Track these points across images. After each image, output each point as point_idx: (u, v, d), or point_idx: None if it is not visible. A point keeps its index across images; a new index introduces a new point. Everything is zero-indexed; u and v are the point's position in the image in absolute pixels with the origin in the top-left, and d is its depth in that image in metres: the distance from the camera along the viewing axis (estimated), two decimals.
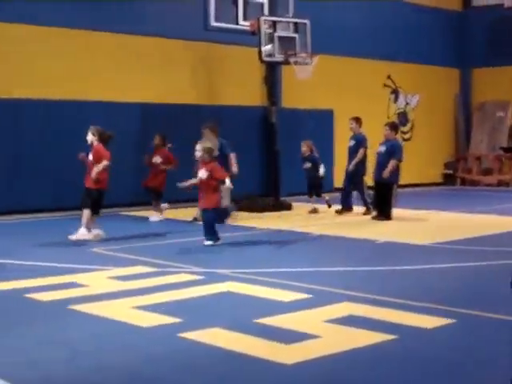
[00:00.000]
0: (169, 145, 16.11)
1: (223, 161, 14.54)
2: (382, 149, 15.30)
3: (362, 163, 16.44)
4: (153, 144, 16.08)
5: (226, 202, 14.07)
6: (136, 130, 18.33)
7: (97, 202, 12.71)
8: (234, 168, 14.94)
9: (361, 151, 16.33)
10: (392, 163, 14.99)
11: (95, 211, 12.71)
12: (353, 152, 16.51)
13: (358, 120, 16.85)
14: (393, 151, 15.18)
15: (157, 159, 15.84)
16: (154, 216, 15.66)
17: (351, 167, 16.34)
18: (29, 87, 17.01)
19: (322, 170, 16.74)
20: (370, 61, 24.09)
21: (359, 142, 16.47)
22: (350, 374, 5.66)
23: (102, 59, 18.31)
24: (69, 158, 16.85)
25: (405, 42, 25.18)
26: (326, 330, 6.72)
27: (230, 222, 14.66)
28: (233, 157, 15.04)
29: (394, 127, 15.91)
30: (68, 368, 5.75)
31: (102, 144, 12.81)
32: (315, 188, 17.03)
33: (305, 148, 16.95)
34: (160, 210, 15.80)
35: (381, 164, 15.15)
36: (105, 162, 12.58)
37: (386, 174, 14.92)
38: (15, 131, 16.79)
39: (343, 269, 10.03)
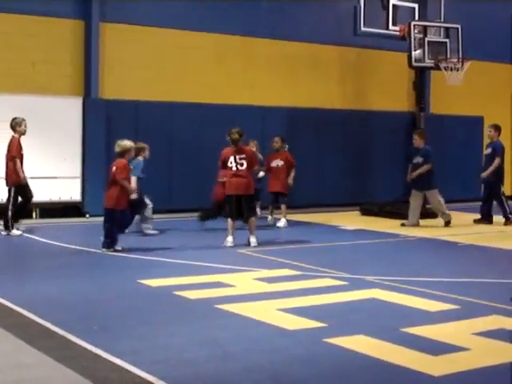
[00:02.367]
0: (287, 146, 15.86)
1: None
2: None
3: (498, 172, 15.96)
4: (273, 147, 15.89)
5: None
6: (283, 133, 18.48)
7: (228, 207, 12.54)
8: (411, 175, 15.19)
9: (497, 160, 15.81)
10: None
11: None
12: (489, 160, 15.99)
13: (496, 127, 16.30)
14: None
15: (278, 162, 15.59)
16: (281, 221, 15.50)
17: (486, 175, 15.83)
18: (184, 91, 17.55)
19: None
20: None
21: (496, 149, 15.96)
22: None
23: (253, 64, 18.66)
24: (217, 159, 17.30)
25: None
26: (475, 343, 6.58)
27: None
28: (425, 168, 15.22)
29: None
30: (218, 368, 5.88)
31: (231, 144, 12.54)
32: None
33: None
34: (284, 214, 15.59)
35: None
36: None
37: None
38: (169, 133, 17.34)
39: (492, 280, 9.76)
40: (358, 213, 17.86)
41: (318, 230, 14.89)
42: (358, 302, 8.34)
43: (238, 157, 12.36)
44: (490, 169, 15.76)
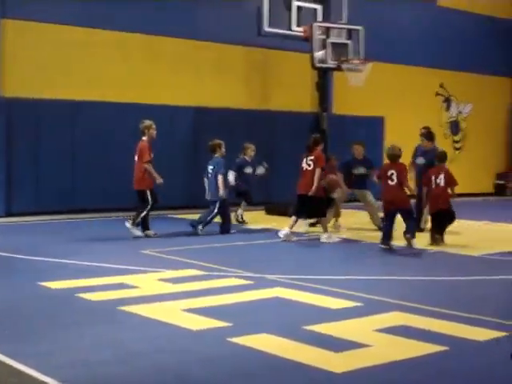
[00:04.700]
0: None
1: None
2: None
3: None
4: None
5: None
6: (190, 134, 18.48)
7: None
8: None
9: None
10: None
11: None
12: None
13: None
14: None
15: None
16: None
17: None
18: (88, 89, 17.30)
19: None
20: (422, 69, 23.95)
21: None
22: None
23: (159, 63, 18.56)
24: (124, 159, 17.17)
25: (458, 50, 24.98)
26: (376, 340, 6.68)
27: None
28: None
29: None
30: (121, 369, 5.82)
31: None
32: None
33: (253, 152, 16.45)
34: None
35: None
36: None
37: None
38: (72, 131, 17.06)
39: (393, 278, 9.99)
40: (263, 212, 17.96)
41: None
42: (262, 300, 8.37)
43: (308, 158, 13.39)
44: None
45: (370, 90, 20.82)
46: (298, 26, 18.40)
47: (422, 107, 23.92)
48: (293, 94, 20.67)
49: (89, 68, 17.48)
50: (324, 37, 17.89)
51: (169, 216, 17.01)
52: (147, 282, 9.37)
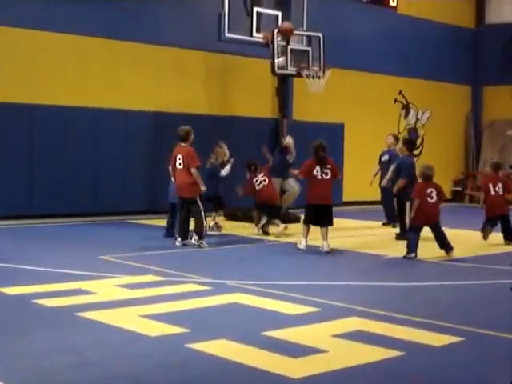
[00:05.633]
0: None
1: None
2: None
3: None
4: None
5: None
6: (149, 139, 18.39)
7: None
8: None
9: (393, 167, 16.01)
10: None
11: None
12: (387, 167, 16.27)
13: (396, 137, 17.07)
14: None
15: None
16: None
17: (385, 183, 15.94)
18: (45, 93, 17.11)
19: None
20: (381, 76, 24.10)
21: (392, 157, 16.45)
22: None
23: (118, 67, 18.39)
24: (82, 162, 17.06)
25: (417, 58, 25.20)
26: (334, 345, 6.72)
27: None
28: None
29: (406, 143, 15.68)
30: (76, 376, 5.77)
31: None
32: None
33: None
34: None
35: None
36: None
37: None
38: (30, 136, 16.87)
39: (351, 283, 10.03)
40: (222, 218, 17.92)
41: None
42: (221, 306, 8.37)
43: (322, 167, 13.04)
44: (388, 175, 15.86)
45: (330, 96, 20.91)
46: (258, 32, 18.41)
47: (381, 114, 24.09)
48: (253, 100, 20.68)
49: (45, 72, 17.25)
50: (284, 43, 17.93)
51: (128, 221, 16.91)
52: (105, 287, 9.30)
